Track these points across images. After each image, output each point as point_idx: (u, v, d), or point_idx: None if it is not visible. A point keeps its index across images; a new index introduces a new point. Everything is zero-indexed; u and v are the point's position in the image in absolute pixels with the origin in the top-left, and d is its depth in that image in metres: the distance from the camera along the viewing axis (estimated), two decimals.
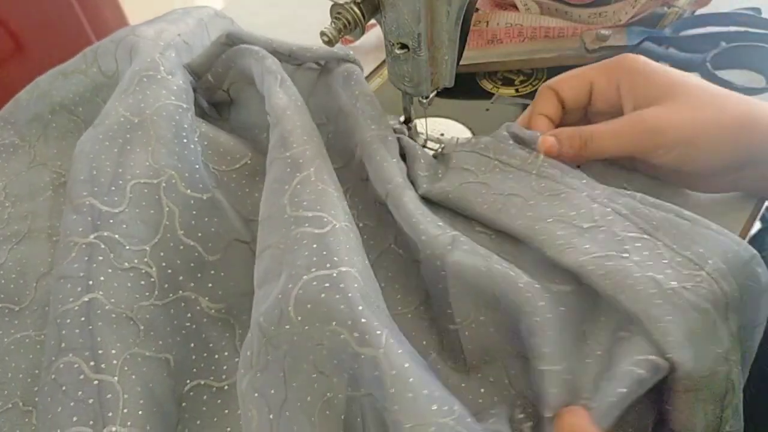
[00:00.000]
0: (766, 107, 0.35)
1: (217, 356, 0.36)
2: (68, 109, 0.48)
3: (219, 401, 0.35)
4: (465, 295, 0.33)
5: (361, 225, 0.39)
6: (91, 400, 0.30)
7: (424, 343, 0.35)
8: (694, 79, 0.37)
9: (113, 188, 0.36)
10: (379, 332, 0.27)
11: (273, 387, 0.29)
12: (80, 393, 0.30)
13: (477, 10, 0.55)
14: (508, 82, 0.53)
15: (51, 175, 0.47)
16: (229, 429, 0.34)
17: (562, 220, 0.33)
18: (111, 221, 0.35)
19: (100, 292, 0.33)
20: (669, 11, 0.53)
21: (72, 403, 0.30)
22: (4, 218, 0.44)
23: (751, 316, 0.30)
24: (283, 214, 0.33)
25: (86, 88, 0.47)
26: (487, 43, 0.54)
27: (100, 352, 0.31)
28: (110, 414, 0.30)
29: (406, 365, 0.27)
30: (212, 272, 0.37)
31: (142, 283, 0.34)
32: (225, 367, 0.36)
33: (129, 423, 0.30)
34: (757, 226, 0.60)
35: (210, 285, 0.37)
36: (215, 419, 0.34)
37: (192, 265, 0.36)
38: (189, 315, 0.36)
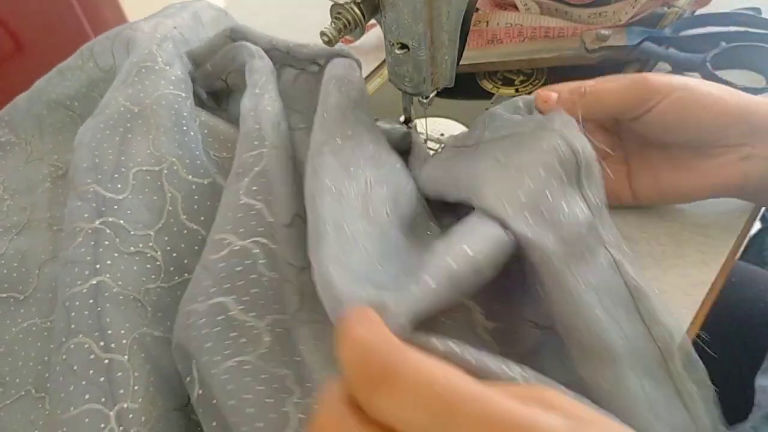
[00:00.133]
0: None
1: None
2: (64, 104, 0.48)
3: None
4: None
5: None
6: (102, 379, 0.30)
7: None
8: None
9: (116, 175, 0.37)
10: None
11: None
12: (91, 372, 0.31)
13: (477, 10, 0.55)
14: (508, 82, 0.53)
15: (49, 168, 0.47)
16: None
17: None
18: (115, 207, 0.36)
19: (108, 276, 0.33)
20: (669, 11, 0.53)
21: (83, 382, 0.31)
22: (3, 210, 0.45)
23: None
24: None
25: (82, 83, 0.47)
26: (487, 43, 0.54)
27: (109, 332, 0.32)
28: (121, 391, 0.30)
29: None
30: None
31: (148, 266, 0.35)
32: None
33: (140, 400, 0.30)
34: (757, 226, 0.60)
35: None
36: None
37: (196, 248, 0.37)
38: None
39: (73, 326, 0.32)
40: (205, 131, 0.41)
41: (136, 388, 0.31)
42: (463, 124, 0.49)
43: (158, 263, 0.35)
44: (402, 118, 0.43)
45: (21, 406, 0.36)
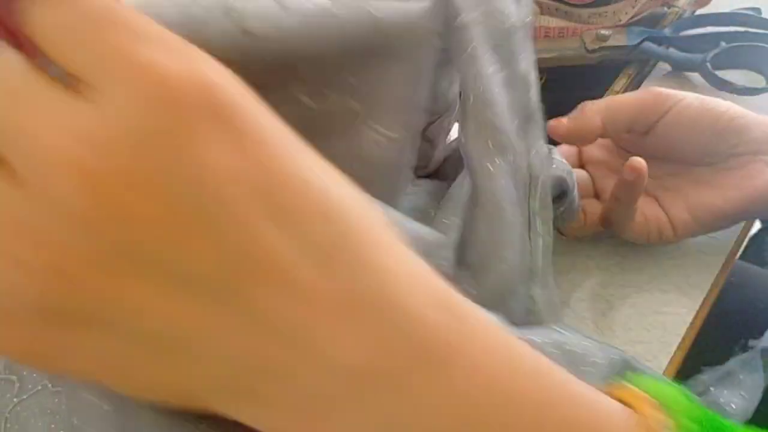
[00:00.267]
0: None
1: None
2: None
3: None
4: None
5: None
6: None
7: None
8: None
9: None
10: None
11: None
12: None
13: None
14: None
15: None
16: None
17: None
18: None
19: None
20: (669, 11, 0.53)
21: None
22: None
23: None
24: None
25: None
26: None
27: None
28: None
29: None
30: None
31: None
32: None
33: None
34: (757, 226, 0.60)
35: None
36: None
37: None
38: None
39: None
40: None
41: None
42: None
43: None
44: None
45: (37, 400, 0.36)
